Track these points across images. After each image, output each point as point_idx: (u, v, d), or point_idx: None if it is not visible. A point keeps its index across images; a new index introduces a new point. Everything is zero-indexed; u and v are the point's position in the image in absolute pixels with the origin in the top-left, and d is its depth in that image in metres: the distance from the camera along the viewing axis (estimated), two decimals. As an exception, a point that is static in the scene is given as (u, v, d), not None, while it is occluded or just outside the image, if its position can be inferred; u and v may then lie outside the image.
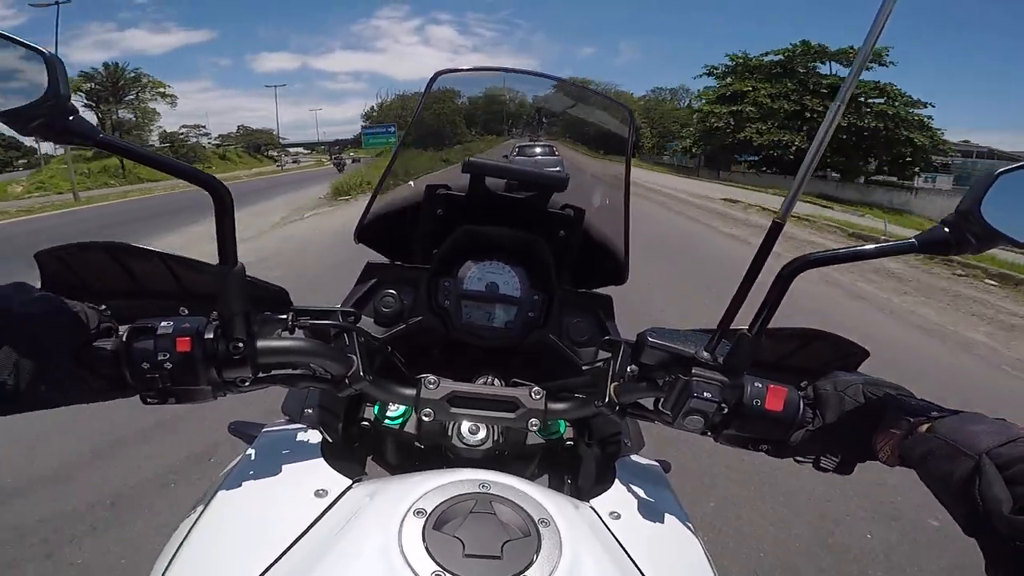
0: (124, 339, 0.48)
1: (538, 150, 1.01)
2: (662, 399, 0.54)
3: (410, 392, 0.63)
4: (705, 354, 0.51)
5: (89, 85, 39.82)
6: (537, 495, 0.49)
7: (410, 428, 0.74)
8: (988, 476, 0.39)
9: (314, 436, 0.63)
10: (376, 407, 0.75)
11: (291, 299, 0.62)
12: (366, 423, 0.76)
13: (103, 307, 0.50)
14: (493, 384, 0.74)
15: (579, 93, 1.09)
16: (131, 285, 0.59)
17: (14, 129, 0.42)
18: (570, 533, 0.46)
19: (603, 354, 0.76)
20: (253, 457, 0.60)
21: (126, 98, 42.89)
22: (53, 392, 0.45)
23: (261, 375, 0.52)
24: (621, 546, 0.52)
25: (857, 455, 0.52)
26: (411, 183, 0.86)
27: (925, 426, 0.46)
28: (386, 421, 0.74)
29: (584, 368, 0.74)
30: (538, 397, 0.64)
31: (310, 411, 0.69)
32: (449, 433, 0.70)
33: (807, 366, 0.63)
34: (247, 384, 0.51)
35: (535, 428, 0.64)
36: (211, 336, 0.48)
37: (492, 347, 0.79)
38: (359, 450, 0.78)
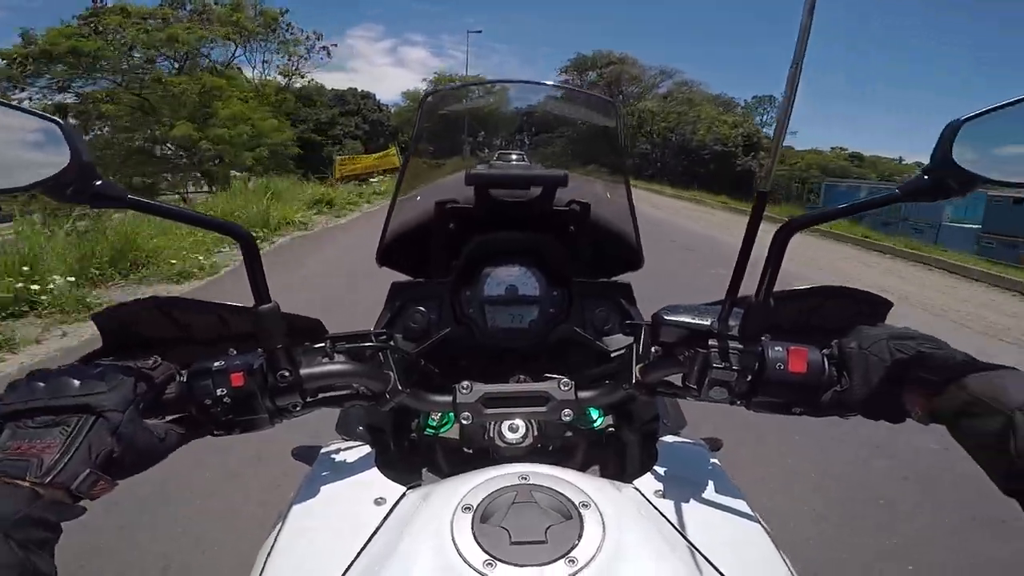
0: (186, 381, 0.52)
1: (513, 157, 1.09)
2: (686, 375, 0.55)
3: (446, 399, 0.66)
4: (719, 325, 0.52)
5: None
6: (576, 480, 0.52)
7: (454, 435, 0.77)
8: (1022, 432, 0.37)
9: (367, 451, 0.67)
10: (420, 418, 0.78)
11: (326, 328, 0.66)
12: (414, 435, 0.80)
13: (158, 359, 0.53)
14: (526, 382, 0.76)
15: (565, 94, 1.12)
16: (181, 333, 0.63)
17: (54, 199, 0.44)
18: (613, 512, 0.48)
19: (627, 339, 0.77)
20: (316, 476, 0.64)
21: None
22: (143, 456, 0.46)
23: (309, 399, 0.56)
24: (669, 522, 0.53)
25: (890, 414, 0.50)
26: (418, 198, 0.88)
27: (955, 383, 0.43)
28: (428, 431, 0.78)
29: (611, 355, 0.76)
30: (567, 388, 0.65)
31: (361, 428, 0.73)
32: (491, 435, 0.73)
33: (830, 325, 0.60)
34: (298, 409, 0.55)
35: (569, 418, 0.66)
36: (259, 369, 0.51)
37: (521, 347, 0.82)
38: (413, 462, 0.81)
